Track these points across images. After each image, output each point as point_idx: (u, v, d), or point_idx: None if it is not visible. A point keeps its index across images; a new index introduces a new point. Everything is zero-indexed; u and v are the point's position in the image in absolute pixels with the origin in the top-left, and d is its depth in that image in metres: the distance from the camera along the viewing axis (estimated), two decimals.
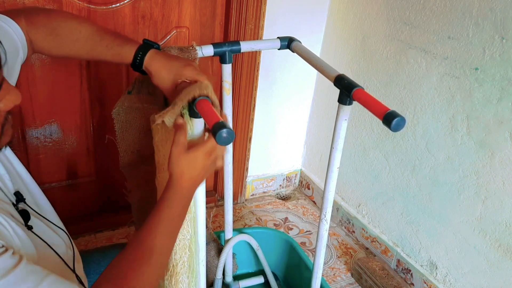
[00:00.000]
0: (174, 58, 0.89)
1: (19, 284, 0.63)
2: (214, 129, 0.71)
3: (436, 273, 1.65)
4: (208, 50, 1.10)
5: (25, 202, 0.83)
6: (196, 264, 0.98)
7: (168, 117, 0.81)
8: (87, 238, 1.84)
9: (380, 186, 1.84)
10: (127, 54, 0.87)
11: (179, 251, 0.91)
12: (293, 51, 1.18)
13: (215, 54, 1.12)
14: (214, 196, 2.13)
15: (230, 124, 1.30)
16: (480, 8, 1.36)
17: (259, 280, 1.65)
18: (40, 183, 0.93)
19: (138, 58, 0.87)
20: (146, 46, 0.88)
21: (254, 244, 1.55)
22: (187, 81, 0.83)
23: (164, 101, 0.95)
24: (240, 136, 1.99)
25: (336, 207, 2.07)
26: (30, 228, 0.79)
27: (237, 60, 1.82)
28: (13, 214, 0.76)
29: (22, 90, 1.55)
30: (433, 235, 1.64)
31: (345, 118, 1.05)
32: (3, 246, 0.65)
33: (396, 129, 0.87)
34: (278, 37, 1.18)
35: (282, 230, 2.03)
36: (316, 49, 2.01)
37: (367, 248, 1.95)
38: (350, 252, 1.95)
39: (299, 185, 2.34)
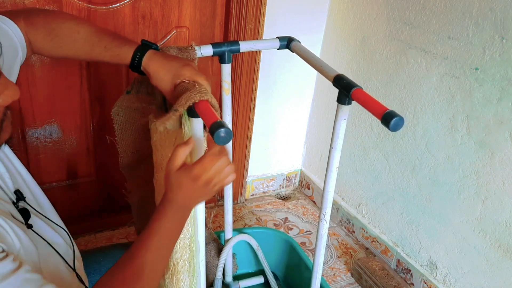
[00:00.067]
0: (172, 58, 0.89)
1: None
2: (212, 128, 0.71)
3: (436, 273, 1.65)
4: (207, 50, 1.10)
5: (25, 201, 0.83)
6: (196, 263, 0.98)
7: (169, 123, 0.82)
8: (87, 238, 1.84)
9: (380, 186, 1.84)
10: (126, 55, 0.87)
11: (179, 250, 0.91)
12: (292, 51, 1.18)
13: (214, 54, 1.12)
14: (214, 196, 2.14)
15: (230, 125, 1.30)
16: (480, 8, 1.35)
17: (259, 280, 1.65)
18: (40, 183, 0.94)
19: (136, 59, 0.87)
20: (144, 46, 0.88)
21: (254, 244, 1.55)
22: (186, 81, 0.83)
23: (163, 101, 0.95)
24: (240, 136, 1.99)
25: (336, 207, 2.07)
26: (30, 226, 0.79)
27: (237, 60, 1.82)
28: (13, 214, 0.76)
29: (22, 90, 1.55)
30: (433, 235, 1.64)
31: (344, 118, 1.05)
32: (3, 251, 0.65)
33: (394, 129, 0.87)
34: (277, 37, 1.18)
35: (282, 230, 2.03)
36: (316, 49, 2.01)
37: (367, 248, 1.95)
38: (350, 252, 1.95)
39: (299, 185, 2.34)
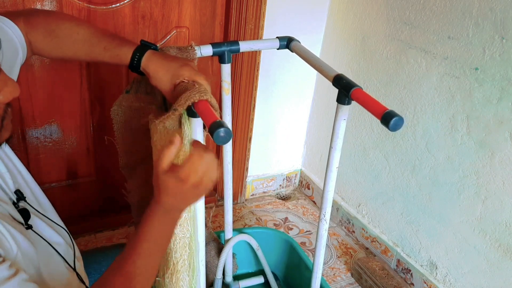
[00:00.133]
0: (171, 58, 0.89)
1: None
2: (212, 128, 0.71)
3: (436, 273, 1.65)
4: (207, 50, 1.10)
5: (25, 201, 0.83)
6: (196, 262, 0.98)
7: (169, 122, 0.81)
8: (87, 238, 1.84)
9: (380, 186, 1.84)
10: (125, 55, 0.87)
11: (179, 250, 0.91)
12: (292, 51, 1.18)
13: (214, 54, 1.12)
14: (214, 196, 2.13)
15: (230, 125, 1.30)
16: (480, 8, 1.35)
17: (259, 280, 1.65)
18: (40, 183, 0.94)
19: (136, 59, 0.87)
20: (143, 47, 0.88)
21: (254, 244, 1.55)
22: (185, 81, 0.83)
23: (163, 100, 0.95)
24: (240, 136, 1.99)
25: (336, 207, 2.07)
26: (29, 227, 0.79)
27: (237, 60, 1.82)
28: (13, 215, 0.76)
29: (22, 90, 1.54)
30: (433, 235, 1.64)
31: (344, 118, 1.05)
32: (0, 256, 0.65)
33: (394, 128, 0.87)
34: (277, 37, 1.18)
35: (282, 230, 2.03)
36: (316, 49, 2.02)
37: (367, 248, 1.95)
38: (350, 252, 1.95)
39: (299, 185, 2.34)
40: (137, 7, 1.61)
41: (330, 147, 1.10)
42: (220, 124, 0.71)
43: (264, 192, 2.26)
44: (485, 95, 1.38)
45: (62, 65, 1.58)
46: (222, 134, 0.70)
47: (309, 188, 2.26)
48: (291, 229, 2.06)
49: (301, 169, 2.31)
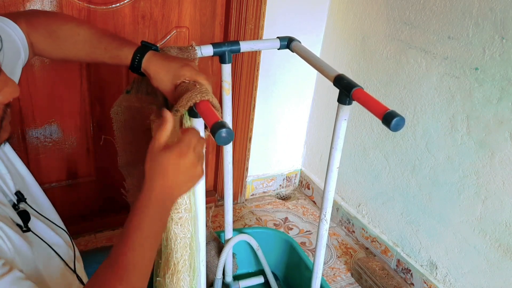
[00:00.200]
0: (172, 59, 0.88)
1: None
2: (213, 128, 0.71)
3: (436, 273, 1.65)
4: (207, 50, 1.10)
5: (26, 202, 0.83)
6: (197, 263, 0.98)
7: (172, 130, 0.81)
8: (87, 238, 1.84)
9: (380, 186, 1.84)
10: (125, 56, 0.87)
11: (180, 250, 0.91)
12: (292, 51, 1.18)
13: (215, 54, 1.12)
14: (214, 196, 2.13)
15: (230, 125, 1.30)
16: (480, 8, 1.36)
17: (259, 280, 1.65)
18: (40, 183, 0.94)
19: (136, 60, 0.86)
20: (144, 48, 0.88)
21: (254, 244, 1.55)
22: (186, 81, 0.83)
23: (165, 101, 0.95)
24: (240, 136, 1.99)
25: (336, 207, 2.07)
26: (28, 229, 0.79)
27: (237, 60, 1.82)
28: (12, 217, 0.76)
29: (22, 90, 1.55)
30: (433, 235, 1.64)
31: (345, 118, 1.05)
32: None
33: (395, 129, 0.87)
34: (277, 37, 1.18)
35: (282, 230, 2.03)
36: (316, 49, 2.02)
37: (367, 248, 1.95)
38: (350, 252, 1.95)
39: (299, 185, 2.34)
40: (137, 7, 1.60)
41: (331, 147, 1.10)
42: (222, 125, 0.71)
43: (264, 192, 2.26)
44: (485, 95, 1.38)
45: (62, 65, 1.58)
46: (224, 134, 0.70)
47: (309, 188, 2.26)
48: (291, 229, 2.06)
49: (301, 169, 2.31)
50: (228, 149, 1.32)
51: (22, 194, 0.82)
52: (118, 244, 0.71)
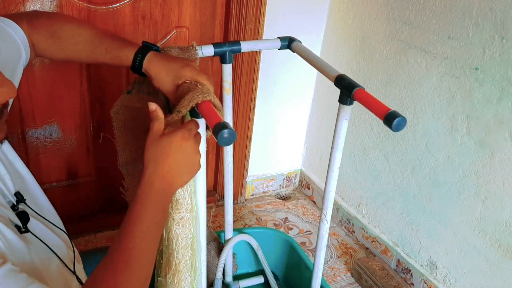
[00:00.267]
0: (173, 59, 0.88)
1: None
2: (216, 129, 0.71)
3: (436, 273, 1.65)
4: (208, 50, 1.10)
5: (25, 203, 0.83)
6: (198, 263, 0.98)
7: (172, 124, 0.81)
8: (87, 238, 1.84)
9: (380, 186, 1.84)
10: (126, 57, 0.87)
11: (181, 250, 0.91)
12: (293, 51, 1.18)
13: (216, 54, 1.12)
14: (214, 196, 2.13)
15: (230, 125, 1.30)
16: (480, 8, 1.36)
17: (259, 280, 1.65)
18: (40, 183, 0.94)
19: (137, 61, 0.86)
20: (145, 48, 0.88)
21: (254, 244, 1.55)
22: (188, 81, 0.83)
23: (166, 101, 0.95)
24: (240, 136, 1.99)
25: (336, 207, 2.07)
26: (27, 230, 0.78)
27: (237, 60, 1.82)
28: (11, 218, 0.76)
29: (22, 90, 1.55)
30: (433, 235, 1.64)
31: (346, 118, 1.05)
32: None
33: (397, 129, 0.87)
34: (278, 37, 1.18)
35: (282, 230, 2.03)
36: (316, 49, 2.02)
37: (367, 248, 1.95)
38: (350, 252, 1.95)
39: (299, 185, 2.34)
40: (137, 7, 1.60)
41: (332, 147, 1.10)
42: (224, 125, 0.70)
43: (264, 192, 2.26)
44: (485, 95, 1.39)
45: (62, 65, 1.58)
46: (226, 135, 0.70)
47: (309, 188, 2.26)
48: (291, 229, 2.06)
49: (301, 169, 2.31)
50: (228, 149, 1.32)
51: (21, 195, 0.82)
52: (123, 231, 0.71)
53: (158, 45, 0.95)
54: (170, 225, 0.88)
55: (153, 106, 0.76)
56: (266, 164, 2.20)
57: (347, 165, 1.97)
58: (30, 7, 1.45)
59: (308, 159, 2.25)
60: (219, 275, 1.48)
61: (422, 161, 1.63)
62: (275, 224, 2.07)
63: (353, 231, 2.01)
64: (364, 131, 1.87)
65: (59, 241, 0.88)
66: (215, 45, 1.11)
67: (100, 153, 1.79)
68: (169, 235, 0.90)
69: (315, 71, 1.13)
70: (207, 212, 1.01)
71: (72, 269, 0.88)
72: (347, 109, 1.04)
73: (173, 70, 0.85)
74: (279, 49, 1.19)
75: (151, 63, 0.86)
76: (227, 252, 1.47)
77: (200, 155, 0.78)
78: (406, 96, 1.65)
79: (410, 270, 1.75)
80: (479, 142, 1.43)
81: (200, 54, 1.06)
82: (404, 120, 0.86)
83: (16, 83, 0.84)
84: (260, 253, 1.57)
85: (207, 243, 1.38)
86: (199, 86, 0.80)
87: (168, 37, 1.71)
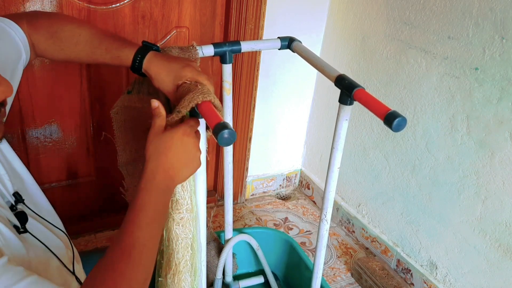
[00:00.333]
0: (173, 59, 0.88)
1: None
2: (216, 129, 0.71)
3: (436, 273, 1.65)
4: (208, 50, 1.10)
5: (24, 203, 0.82)
6: (198, 263, 0.98)
7: (172, 124, 0.81)
8: (87, 238, 1.84)
9: (380, 186, 1.84)
10: (126, 57, 0.87)
11: (181, 250, 0.91)
12: (293, 51, 1.18)
13: (216, 54, 1.12)
14: (214, 196, 2.13)
15: (231, 125, 1.30)
16: (480, 8, 1.36)
17: (259, 280, 1.65)
18: (40, 183, 0.93)
19: (137, 61, 0.86)
20: (145, 48, 0.87)
21: (254, 244, 1.55)
22: (188, 82, 0.83)
23: (166, 101, 0.95)
24: (240, 136, 1.99)
25: (336, 207, 2.07)
26: (25, 230, 0.78)
27: (237, 60, 1.82)
28: (9, 218, 0.76)
29: (22, 90, 1.55)
30: (433, 235, 1.64)
31: (346, 118, 1.05)
32: None
33: (397, 129, 0.87)
34: (278, 37, 1.18)
35: (282, 230, 2.03)
36: (316, 49, 2.02)
37: (367, 248, 1.95)
38: (350, 252, 1.95)
39: (299, 185, 2.34)
40: (137, 7, 1.60)
41: (332, 147, 1.10)
42: (224, 126, 0.70)
43: (264, 192, 2.26)
44: (485, 95, 1.39)
45: (62, 65, 1.58)
46: (226, 135, 0.70)
47: (309, 188, 2.26)
48: (291, 229, 2.06)
49: (301, 169, 2.31)
50: (228, 149, 1.32)
51: (20, 195, 0.82)
52: (125, 225, 0.71)
53: (158, 45, 0.95)
54: (170, 225, 0.88)
55: (155, 103, 0.78)
56: (266, 164, 2.20)
57: (347, 165, 1.97)
58: (30, 7, 1.45)
59: (308, 159, 2.25)
60: (219, 275, 1.48)
61: (422, 161, 1.63)
62: (275, 224, 2.07)
63: (353, 231, 2.01)
64: (364, 131, 1.87)
65: (58, 242, 0.88)
66: (215, 45, 1.11)
67: (100, 153, 1.79)
68: (169, 235, 0.90)
69: (315, 71, 1.13)
70: (207, 212, 1.01)
71: (72, 269, 0.88)
72: (347, 109, 1.04)
73: (173, 71, 0.85)
74: (279, 49, 1.19)
75: (151, 63, 0.86)
76: (227, 252, 1.47)
77: (200, 152, 0.79)
78: (406, 96, 1.65)
79: (410, 270, 1.75)
80: (479, 142, 1.43)
81: (200, 54, 1.06)
82: (404, 120, 0.86)
83: (16, 83, 0.84)
84: (260, 253, 1.57)
85: (207, 243, 1.38)
86: (199, 87, 0.80)
87: (168, 37, 1.71)
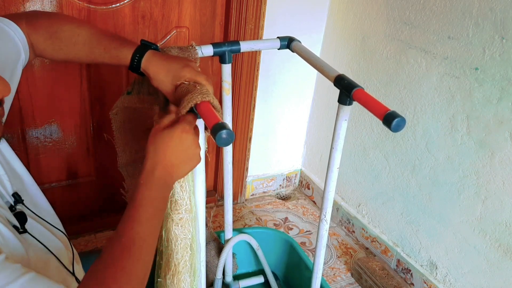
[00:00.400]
0: (172, 59, 0.87)
1: None
2: (214, 130, 0.71)
3: (436, 273, 1.65)
4: (207, 50, 1.10)
5: (23, 204, 0.82)
6: (197, 263, 0.98)
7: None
8: (87, 238, 1.84)
9: (380, 186, 1.84)
10: (125, 56, 0.86)
11: (180, 251, 0.91)
12: (293, 51, 1.18)
13: (215, 54, 1.12)
14: (214, 196, 2.13)
15: (230, 125, 1.30)
16: (480, 8, 1.36)
17: (259, 280, 1.65)
18: (40, 183, 0.93)
19: (136, 60, 0.85)
20: (144, 47, 0.87)
21: (254, 244, 1.55)
22: (186, 82, 0.83)
23: (165, 101, 0.95)
24: (240, 136, 1.99)
25: (336, 207, 2.07)
26: (25, 231, 0.78)
27: (237, 60, 1.82)
28: (9, 219, 0.76)
29: (22, 90, 1.56)
30: (433, 235, 1.64)
31: (345, 118, 1.05)
32: None
33: (396, 129, 0.87)
34: (278, 37, 1.18)
35: (282, 230, 2.03)
36: (316, 49, 2.01)
37: (367, 248, 1.95)
38: (350, 252, 1.95)
39: (299, 185, 2.34)
40: (137, 7, 1.60)
41: (331, 147, 1.10)
42: (223, 126, 0.70)
43: (264, 192, 2.26)
44: (485, 95, 1.38)
45: (62, 65, 1.58)
46: (224, 136, 0.70)
47: (309, 188, 2.26)
48: (291, 229, 2.06)
49: (301, 169, 2.31)
50: (228, 149, 1.32)
51: (19, 196, 0.82)
52: (124, 221, 0.71)
53: (157, 45, 0.95)
54: (169, 225, 0.88)
55: (172, 107, 0.80)
56: (266, 164, 2.20)
57: (347, 165, 1.97)
58: (30, 7, 1.45)
59: (308, 159, 2.25)
60: (219, 275, 1.48)
61: (422, 161, 1.63)
62: (275, 224, 2.07)
63: (353, 231, 2.01)
64: (364, 131, 1.86)
65: (58, 242, 0.88)
66: (214, 45, 1.11)
67: (100, 153, 1.79)
68: (168, 235, 0.89)
69: (315, 71, 1.13)
70: (207, 212, 1.01)
71: (71, 270, 0.88)
72: (346, 109, 1.04)
73: (172, 71, 0.84)
74: (278, 49, 1.19)
75: (149, 63, 0.85)
76: (227, 252, 1.47)
77: (199, 148, 0.79)
78: (406, 96, 1.65)
79: (410, 270, 1.74)
80: (479, 142, 1.42)
81: (199, 54, 1.05)
82: (403, 121, 0.86)
83: (15, 83, 0.84)
84: (260, 253, 1.57)
85: (207, 243, 1.38)
86: (198, 87, 0.80)
87: (168, 37, 1.71)
